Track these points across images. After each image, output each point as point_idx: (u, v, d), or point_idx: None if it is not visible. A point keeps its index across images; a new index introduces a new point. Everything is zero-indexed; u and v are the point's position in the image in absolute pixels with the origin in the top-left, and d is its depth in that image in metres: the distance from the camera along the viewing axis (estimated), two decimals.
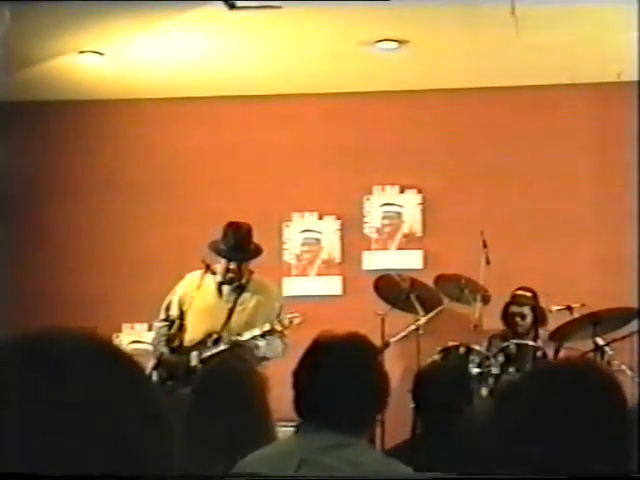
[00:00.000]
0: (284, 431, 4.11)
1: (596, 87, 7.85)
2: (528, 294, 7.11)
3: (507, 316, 7.12)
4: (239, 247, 6.14)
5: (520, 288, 7.14)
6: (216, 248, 6.21)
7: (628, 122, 7.55)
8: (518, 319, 7.08)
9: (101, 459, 1.00)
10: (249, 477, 2.66)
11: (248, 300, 6.21)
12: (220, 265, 6.20)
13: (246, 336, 6.02)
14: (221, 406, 3.41)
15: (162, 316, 6.33)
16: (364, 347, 2.82)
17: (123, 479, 1.01)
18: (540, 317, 7.09)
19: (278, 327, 6.07)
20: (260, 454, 2.75)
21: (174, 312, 6.27)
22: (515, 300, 7.10)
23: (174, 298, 6.31)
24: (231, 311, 6.17)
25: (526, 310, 7.09)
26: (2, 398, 1.01)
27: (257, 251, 6.26)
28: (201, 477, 2.95)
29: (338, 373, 2.66)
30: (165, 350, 6.18)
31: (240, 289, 6.21)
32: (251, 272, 6.26)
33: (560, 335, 6.68)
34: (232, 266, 6.14)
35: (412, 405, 6.52)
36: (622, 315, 6.56)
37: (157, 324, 6.38)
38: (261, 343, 6.06)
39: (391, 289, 7.23)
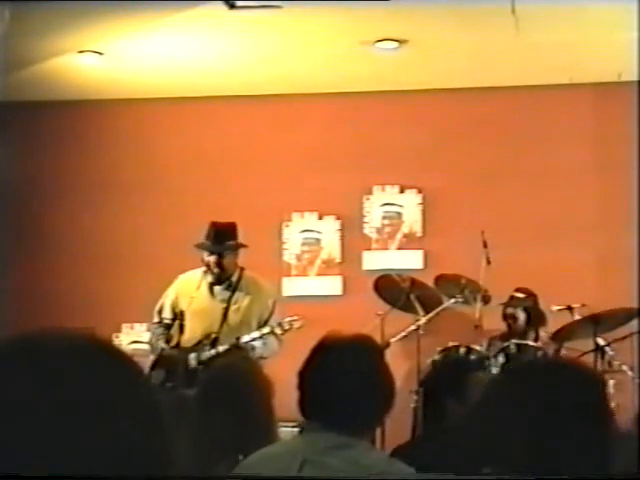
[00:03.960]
0: (283, 431, 4.11)
1: (596, 87, 7.85)
2: (521, 295, 7.12)
3: (503, 317, 7.17)
4: (217, 240, 6.16)
5: (517, 289, 7.15)
6: (199, 244, 6.25)
7: (628, 122, 7.55)
8: (511, 321, 7.12)
9: (100, 459, 1.00)
10: (250, 477, 2.66)
11: (241, 299, 6.21)
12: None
13: (245, 339, 6.03)
14: (227, 406, 3.41)
15: (155, 319, 6.34)
16: (370, 348, 2.81)
17: (123, 479, 1.01)
18: (536, 318, 7.09)
19: (278, 331, 6.07)
20: (263, 453, 2.74)
21: (167, 315, 6.28)
22: (508, 302, 7.13)
23: (166, 301, 6.32)
24: (226, 311, 6.17)
25: (518, 312, 7.11)
26: (1, 398, 1.00)
27: (237, 245, 6.27)
28: (201, 477, 2.95)
29: (344, 374, 2.66)
30: (165, 346, 6.18)
31: (232, 288, 6.21)
32: (242, 269, 6.27)
33: (562, 337, 6.68)
34: (212, 258, 6.14)
35: (412, 405, 6.56)
36: (623, 315, 6.55)
37: (152, 326, 6.40)
38: (258, 344, 6.07)
39: (391, 289, 7.23)
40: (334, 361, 2.69)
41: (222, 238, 6.18)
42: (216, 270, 6.15)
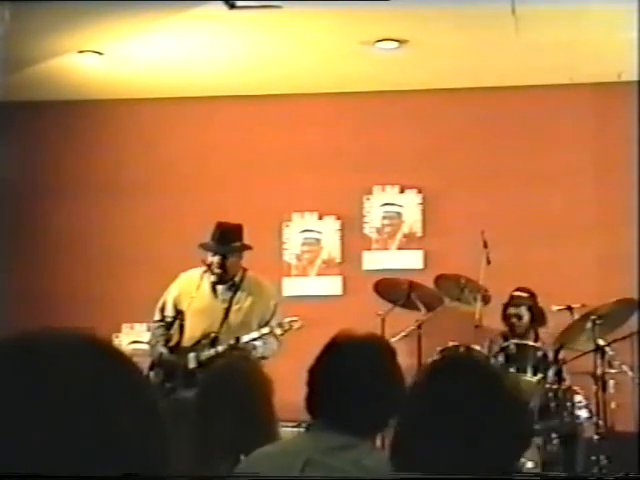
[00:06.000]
0: (283, 431, 4.11)
1: (596, 87, 7.85)
2: (525, 294, 7.13)
3: (505, 317, 7.16)
4: (222, 241, 6.16)
5: (518, 289, 7.16)
6: (203, 244, 6.24)
7: (628, 122, 7.55)
8: (515, 320, 7.11)
9: (99, 459, 1.00)
10: (250, 477, 2.65)
11: (243, 300, 6.21)
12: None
13: (245, 339, 6.03)
14: (228, 406, 3.41)
15: (157, 317, 6.32)
16: (383, 349, 2.77)
17: (122, 479, 1.01)
18: (538, 317, 7.10)
19: (278, 331, 6.07)
20: (265, 452, 2.72)
21: (169, 313, 6.27)
22: (512, 301, 7.13)
23: (169, 298, 6.30)
24: (227, 311, 6.17)
25: (523, 310, 7.11)
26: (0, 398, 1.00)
27: (242, 247, 6.26)
28: (201, 477, 2.94)
29: (356, 374, 2.62)
30: (164, 350, 6.17)
31: (234, 288, 6.21)
32: (245, 270, 6.26)
33: (564, 340, 6.66)
34: (215, 259, 6.13)
35: None
36: (623, 308, 6.55)
37: (153, 325, 6.37)
38: (258, 343, 6.07)
39: (391, 290, 7.23)
40: (347, 360, 2.65)
41: (227, 239, 6.17)
42: (218, 271, 6.14)
